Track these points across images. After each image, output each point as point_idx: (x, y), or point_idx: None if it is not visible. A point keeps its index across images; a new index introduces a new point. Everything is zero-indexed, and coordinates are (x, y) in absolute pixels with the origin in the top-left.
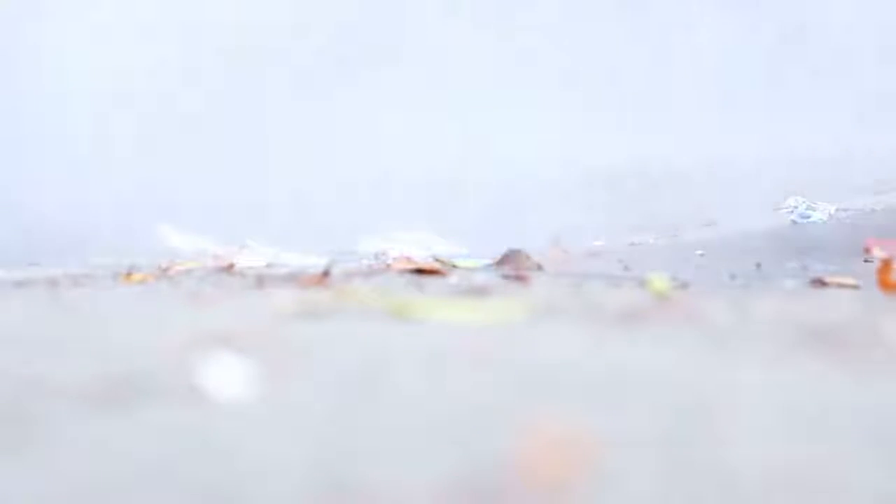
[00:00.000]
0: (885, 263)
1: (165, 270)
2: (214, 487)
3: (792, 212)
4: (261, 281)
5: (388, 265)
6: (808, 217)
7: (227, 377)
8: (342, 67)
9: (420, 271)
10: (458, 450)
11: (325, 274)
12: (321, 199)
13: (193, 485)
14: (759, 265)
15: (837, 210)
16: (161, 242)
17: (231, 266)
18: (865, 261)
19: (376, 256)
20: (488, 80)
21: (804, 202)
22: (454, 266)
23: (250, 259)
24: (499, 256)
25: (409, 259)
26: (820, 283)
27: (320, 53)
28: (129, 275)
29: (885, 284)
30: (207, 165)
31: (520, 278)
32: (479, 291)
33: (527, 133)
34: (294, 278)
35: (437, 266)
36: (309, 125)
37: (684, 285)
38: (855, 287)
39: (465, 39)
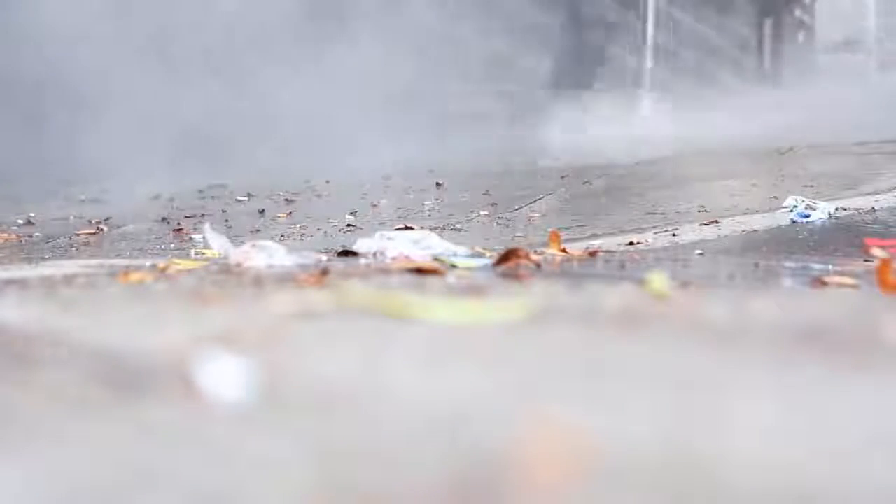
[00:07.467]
0: (885, 263)
1: (163, 270)
2: (212, 487)
3: (792, 211)
4: (258, 280)
5: (387, 265)
6: (808, 217)
7: (224, 377)
8: None
9: (419, 271)
10: (457, 449)
11: (324, 273)
12: None
13: (190, 484)
14: (758, 265)
15: (837, 210)
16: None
17: (229, 265)
18: (865, 261)
19: (375, 256)
20: None
21: (804, 202)
22: (453, 266)
23: (250, 258)
24: (497, 256)
25: (408, 258)
26: (820, 283)
27: None
28: (126, 274)
29: (885, 284)
30: None
31: (518, 278)
32: (478, 291)
33: None
34: (292, 278)
35: (435, 265)
36: None
37: (684, 285)
38: (855, 287)
39: None
